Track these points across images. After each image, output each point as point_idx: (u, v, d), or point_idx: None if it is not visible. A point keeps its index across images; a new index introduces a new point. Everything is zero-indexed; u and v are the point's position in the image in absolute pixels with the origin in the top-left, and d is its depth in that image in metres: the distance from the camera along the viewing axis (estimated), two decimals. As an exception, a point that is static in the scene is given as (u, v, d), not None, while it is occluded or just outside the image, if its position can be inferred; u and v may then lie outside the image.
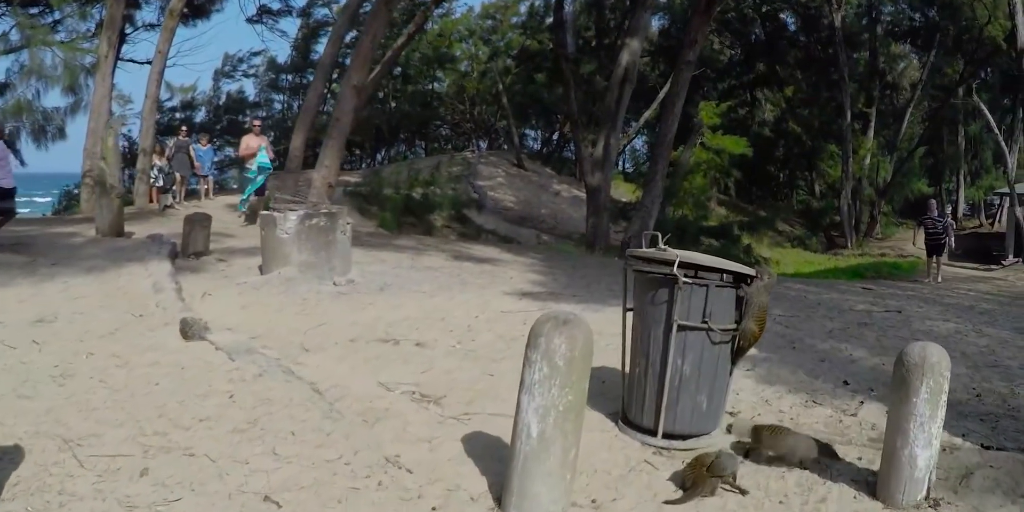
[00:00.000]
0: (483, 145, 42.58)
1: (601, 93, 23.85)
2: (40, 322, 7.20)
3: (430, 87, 42.26)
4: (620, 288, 5.59)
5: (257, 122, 18.11)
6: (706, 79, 38.81)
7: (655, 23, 39.33)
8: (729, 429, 5.22)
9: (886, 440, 4.25)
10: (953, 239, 16.95)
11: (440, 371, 6.27)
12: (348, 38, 27.76)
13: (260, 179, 16.31)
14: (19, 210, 12.03)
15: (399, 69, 38.28)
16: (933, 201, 18.52)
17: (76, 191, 25.60)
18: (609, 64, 24.55)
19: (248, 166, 16.62)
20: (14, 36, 22.58)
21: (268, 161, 16.56)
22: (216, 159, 27.14)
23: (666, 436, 4.93)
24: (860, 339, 8.14)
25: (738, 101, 40.25)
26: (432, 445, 4.77)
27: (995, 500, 4.19)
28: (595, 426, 5.14)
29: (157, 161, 18.99)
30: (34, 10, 23.59)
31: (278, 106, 40.87)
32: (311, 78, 30.67)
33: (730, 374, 5.12)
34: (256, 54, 44.73)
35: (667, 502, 4.23)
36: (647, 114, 32.47)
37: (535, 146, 46.26)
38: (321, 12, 36.00)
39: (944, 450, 4.48)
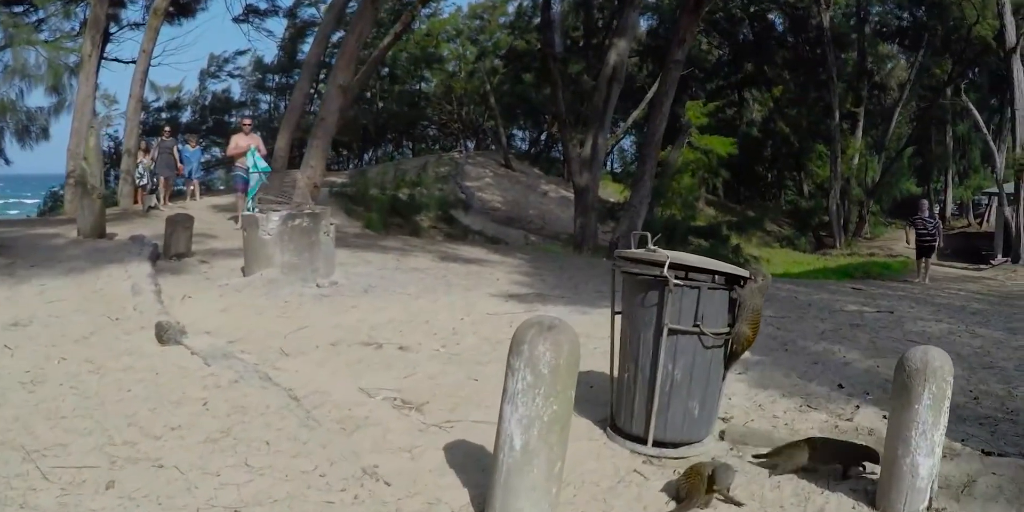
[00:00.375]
0: (471, 145, 42.42)
1: (589, 93, 23.75)
2: (15, 326, 7.00)
3: (418, 87, 42.09)
4: (609, 289, 5.41)
5: (247, 121, 17.84)
6: (694, 79, 38.77)
7: (643, 23, 39.35)
8: (722, 436, 5.05)
9: (886, 448, 4.08)
10: (941, 239, 16.89)
11: (423, 376, 6.09)
12: (335, 38, 27.62)
13: (257, 181, 15.91)
14: (7, 212, 11.88)
15: (386, 69, 38.13)
16: (925, 201, 18.45)
17: (62, 192, 25.37)
18: (597, 64, 24.47)
19: (238, 165, 16.34)
20: (-2, 35, 22.36)
21: (265, 163, 16.23)
22: (202, 159, 26.89)
23: (657, 444, 4.75)
24: (853, 340, 8.00)
25: (726, 101, 40.21)
26: (413, 455, 4.59)
27: (999, 509, 4.03)
28: (582, 434, 4.97)
29: (144, 159, 18.72)
30: (18, 9, 23.38)
31: (265, 106, 40.74)
32: (298, 78, 30.50)
33: (723, 379, 4.96)
34: (241, 54, 44.70)
35: None
36: (635, 114, 32.39)
37: (523, 146, 46.22)
38: (308, 12, 35.90)
39: (944, 456, 4.31)
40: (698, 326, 4.62)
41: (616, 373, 5.09)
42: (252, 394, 5.23)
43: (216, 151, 34.74)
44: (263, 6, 31.19)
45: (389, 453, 4.60)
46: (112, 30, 25.11)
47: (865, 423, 5.26)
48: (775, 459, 4.55)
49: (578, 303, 9.22)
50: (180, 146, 19.97)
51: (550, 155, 42.72)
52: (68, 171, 18.94)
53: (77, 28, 23.62)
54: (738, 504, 4.15)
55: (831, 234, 35.33)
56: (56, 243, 12.19)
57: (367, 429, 4.93)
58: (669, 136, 25.62)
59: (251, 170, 15.70)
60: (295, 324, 7.60)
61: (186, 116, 36.77)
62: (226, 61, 37.71)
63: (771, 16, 41.63)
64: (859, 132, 37.42)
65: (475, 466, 4.36)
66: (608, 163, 41.83)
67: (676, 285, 4.56)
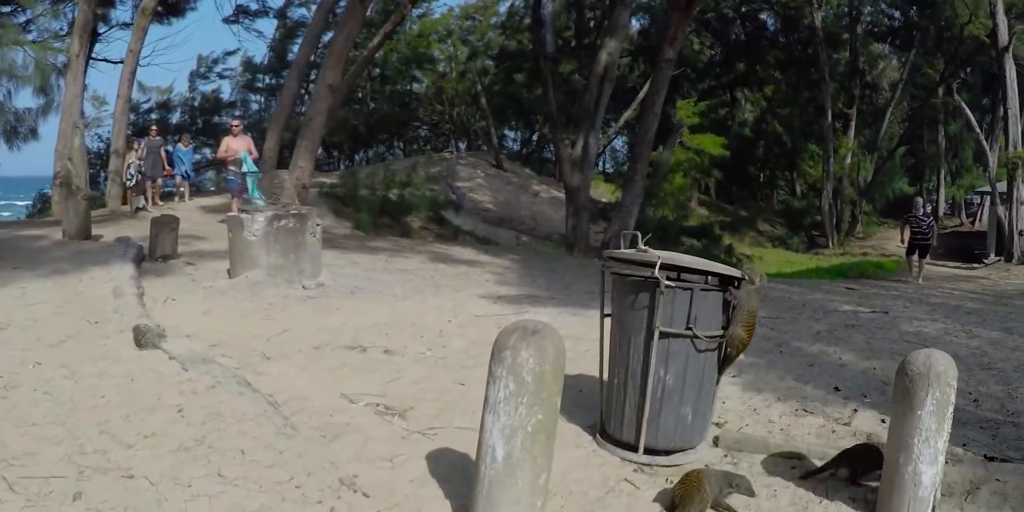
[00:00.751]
0: (462, 146, 42.22)
1: (580, 93, 23.59)
2: (-8, 329, 6.81)
3: (409, 88, 41.89)
4: (600, 291, 5.23)
5: (236, 123, 17.63)
6: (686, 79, 38.72)
7: (635, 23, 39.24)
8: (716, 442, 4.88)
9: (887, 456, 3.91)
10: (935, 238, 16.80)
11: (408, 381, 5.92)
12: (325, 38, 27.46)
13: (252, 182, 15.70)
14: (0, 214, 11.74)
15: (378, 70, 37.96)
16: (919, 199, 18.31)
17: (51, 194, 25.18)
18: (589, 64, 24.30)
19: (231, 167, 16.15)
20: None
21: (256, 168, 16.04)
22: (194, 160, 26.66)
23: (648, 451, 4.58)
24: (848, 341, 7.87)
25: (718, 101, 40.14)
26: (394, 464, 4.41)
27: (1004, 517, 3.88)
28: (571, 441, 4.80)
29: (134, 158, 18.49)
30: (5, 9, 23.14)
31: (255, 107, 40.56)
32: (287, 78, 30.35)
33: (716, 383, 4.79)
34: (231, 54, 44.46)
35: None
36: (627, 114, 32.27)
37: (515, 147, 46.04)
38: (299, 12, 35.77)
39: (946, 462, 4.14)
40: (691, 329, 4.44)
41: (606, 378, 4.91)
42: (229, 400, 5.05)
43: (206, 152, 34.53)
44: (253, 7, 31.13)
45: (369, 462, 4.41)
46: (101, 30, 24.95)
47: (864, 428, 5.12)
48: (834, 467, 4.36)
49: (569, 305, 9.08)
50: (171, 146, 19.76)
51: (542, 155, 42.55)
52: (55, 172, 18.73)
53: (66, 28, 23.39)
54: (733, 513, 3.99)
55: (824, 234, 35.31)
56: (40, 245, 12.01)
57: (347, 437, 4.74)
58: (661, 136, 25.54)
59: (248, 174, 15.57)
60: (278, 327, 7.42)
61: (176, 117, 36.68)
62: (215, 62, 37.64)
63: (763, 16, 41.66)
64: (851, 132, 37.46)
65: (459, 476, 4.19)
66: (600, 163, 41.78)
67: (668, 286, 4.39)
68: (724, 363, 4.72)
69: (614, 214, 19.52)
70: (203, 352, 6.18)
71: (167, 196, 20.81)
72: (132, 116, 29.23)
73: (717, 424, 5.13)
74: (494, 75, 39.05)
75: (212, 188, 29.43)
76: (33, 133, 24.58)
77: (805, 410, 5.49)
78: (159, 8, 22.64)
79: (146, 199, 18.59)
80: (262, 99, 40.34)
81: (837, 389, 6.00)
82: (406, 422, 5.07)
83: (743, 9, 40.03)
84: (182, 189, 20.52)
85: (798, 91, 39.41)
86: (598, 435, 4.91)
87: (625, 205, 18.32)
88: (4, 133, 24.15)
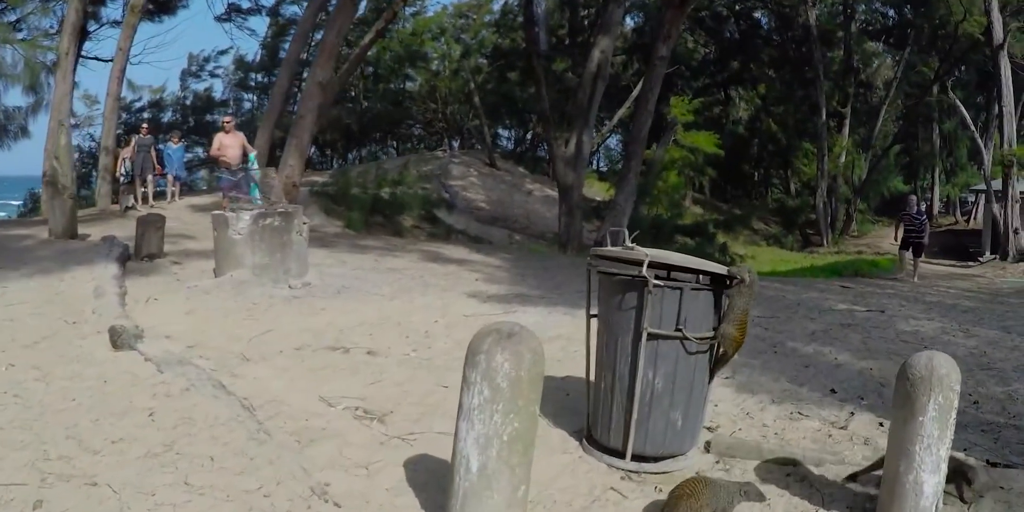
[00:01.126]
0: (455, 144, 42.05)
1: (574, 91, 23.42)
2: (-33, 330, 6.62)
3: (402, 86, 41.72)
4: (586, 290, 5.05)
5: (228, 119, 17.41)
6: (680, 77, 38.60)
7: (629, 21, 39.11)
8: (707, 447, 4.69)
9: (887, 463, 3.71)
10: (927, 236, 16.70)
11: (390, 383, 5.73)
12: (317, 36, 27.27)
13: (255, 184, 15.49)
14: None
15: (371, 68, 37.79)
16: (913, 197, 18.19)
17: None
18: (582, 62, 24.13)
19: (224, 166, 15.92)
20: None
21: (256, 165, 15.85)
22: (185, 158, 26.44)
23: (636, 458, 4.40)
24: (844, 341, 7.70)
25: (712, 99, 40.02)
26: (370, 471, 4.21)
27: (1008, 527, 3.71)
28: (556, 447, 4.62)
29: (126, 155, 18.29)
30: (-4, 8, 22.97)
31: (248, 105, 40.37)
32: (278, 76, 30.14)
33: (708, 386, 4.61)
34: (223, 53, 44.25)
35: None
36: (621, 112, 32.17)
37: (508, 145, 45.89)
38: (291, 10, 35.55)
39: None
40: (680, 330, 4.26)
41: (592, 381, 4.73)
42: (202, 404, 4.85)
43: (198, 150, 34.34)
44: (245, 4, 30.97)
45: (344, 469, 4.22)
46: (91, 28, 24.68)
47: (861, 431, 4.95)
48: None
49: (560, 304, 8.91)
50: (162, 145, 19.55)
51: (535, 154, 42.41)
52: (44, 171, 18.53)
53: (56, 26, 23.16)
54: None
55: (818, 232, 35.28)
56: (26, 244, 11.86)
57: (323, 442, 4.55)
58: (655, 134, 25.38)
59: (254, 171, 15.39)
60: (261, 327, 7.23)
61: (168, 116, 36.44)
62: (207, 60, 37.43)
63: (757, 14, 41.60)
64: (846, 130, 37.49)
65: (436, 485, 3.99)
66: (594, 162, 41.59)
67: (656, 286, 4.21)
68: (717, 364, 4.55)
69: (607, 212, 19.36)
70: (180, 353, 6.01)
71: (160, 195, 20.61)
72: (124, 115, 29.10)
73: (709, 428, 4.95)
74: (487, 73, 38.90)
75: (204, 187, 29.20)
76: (24, 131, 24.42)
77: (800, 413, 5.31)
78: (150, 6, 22.47)
79: (136, 198, 18.40)
80: (254, 97, 40.21)
81: (833, 391, 5.83)
82: (385, 426, 4.88)
83: (737, 7, 39.94)
84: (173, 188, 20.31)
85: (792, 89, 39.32)
86: (584, 441, 4.73)
87: (619, 203, 18.16)
88: (-6, 132, 24.01)
